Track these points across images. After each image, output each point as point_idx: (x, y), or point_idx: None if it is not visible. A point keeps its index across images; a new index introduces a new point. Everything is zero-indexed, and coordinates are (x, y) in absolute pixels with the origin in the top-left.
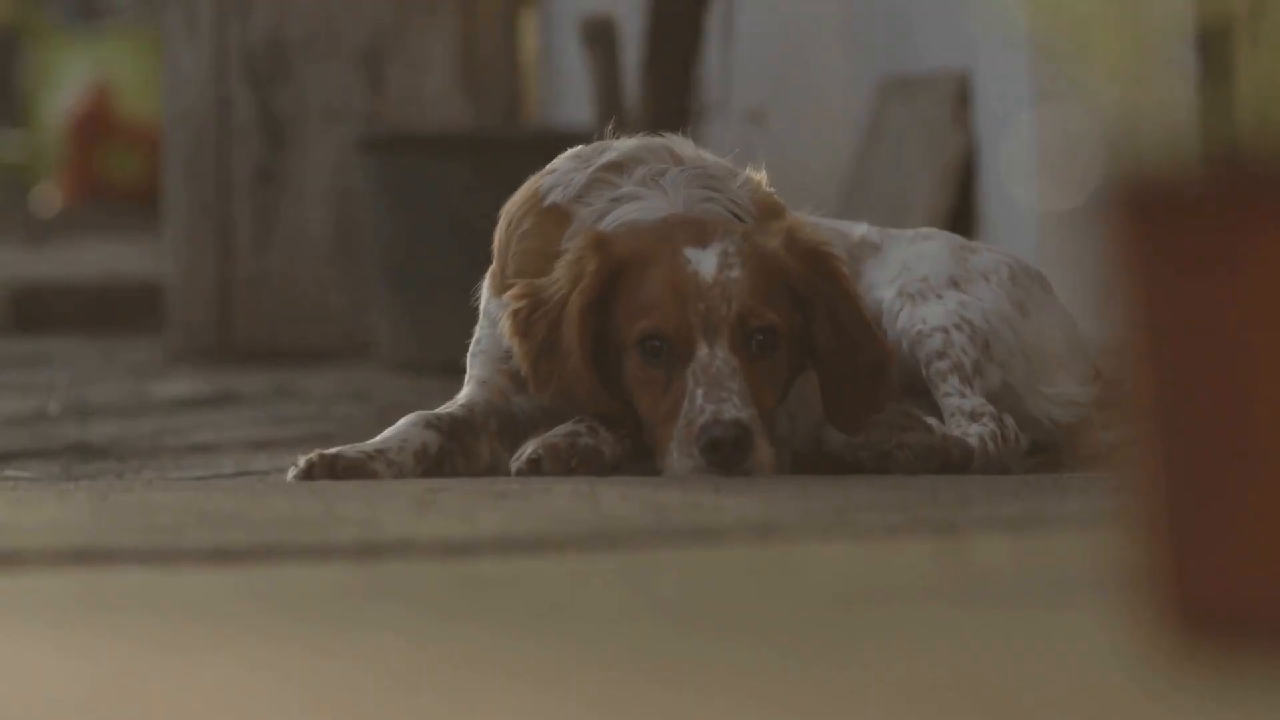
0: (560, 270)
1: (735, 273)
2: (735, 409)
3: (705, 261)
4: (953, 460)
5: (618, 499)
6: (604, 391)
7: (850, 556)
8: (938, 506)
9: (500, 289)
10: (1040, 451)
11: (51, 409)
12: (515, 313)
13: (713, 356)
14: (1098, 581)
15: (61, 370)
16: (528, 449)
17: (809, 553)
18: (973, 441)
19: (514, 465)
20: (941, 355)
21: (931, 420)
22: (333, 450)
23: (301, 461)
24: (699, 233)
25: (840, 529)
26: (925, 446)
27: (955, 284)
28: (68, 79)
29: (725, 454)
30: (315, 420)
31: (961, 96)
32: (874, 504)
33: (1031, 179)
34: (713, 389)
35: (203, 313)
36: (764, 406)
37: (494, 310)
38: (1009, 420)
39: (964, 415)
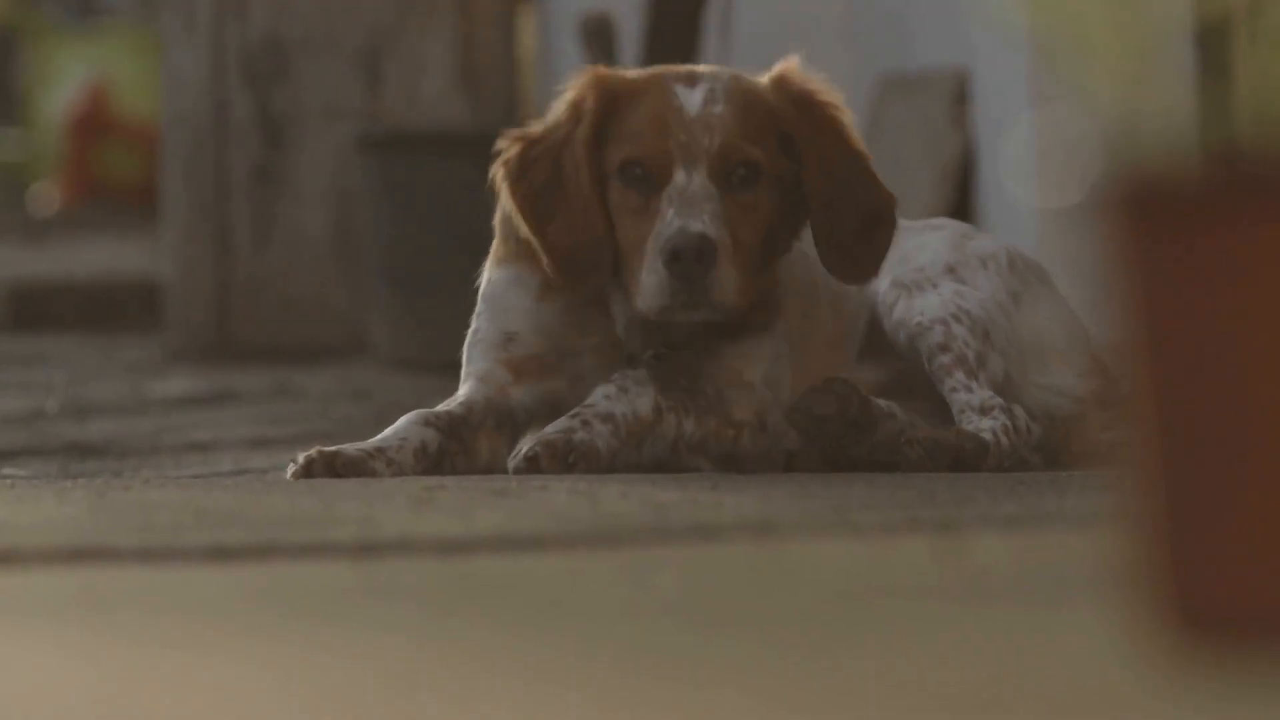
0: (558, 111)
1: (719, 108)
2: (703, 225)
3: (691, 97)
4: (966, 455)
5: (616, 497)
6: (607, 222)
7: (849, 554)
8: (936, 504)
9: (503, 256)
10: (1037, 449)
11: (49, 407)
12: (509, 160)
13: (689, 181)
14: (1097, 580)
15: (60, 369)
16: (524, 447)
17: (808, 550)
18: (986, 436)
19: (511, 464)
20: (944, 349)
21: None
22: (332, 448)
23: (300, 458)
24: (690, 75)
25: (839, 527)
26: (934, 442)
27: (951, 270)
28: (66, 78)
29: (687, 264)
30: (313, 419)
31: (960, 95)
32: (873, 502)
33: (1030, 178)
34: (685, 208)
35: (201, 311)
36: (742, 240)
37: (496, 280)
38: (1019, 411)
39: (973, 410)
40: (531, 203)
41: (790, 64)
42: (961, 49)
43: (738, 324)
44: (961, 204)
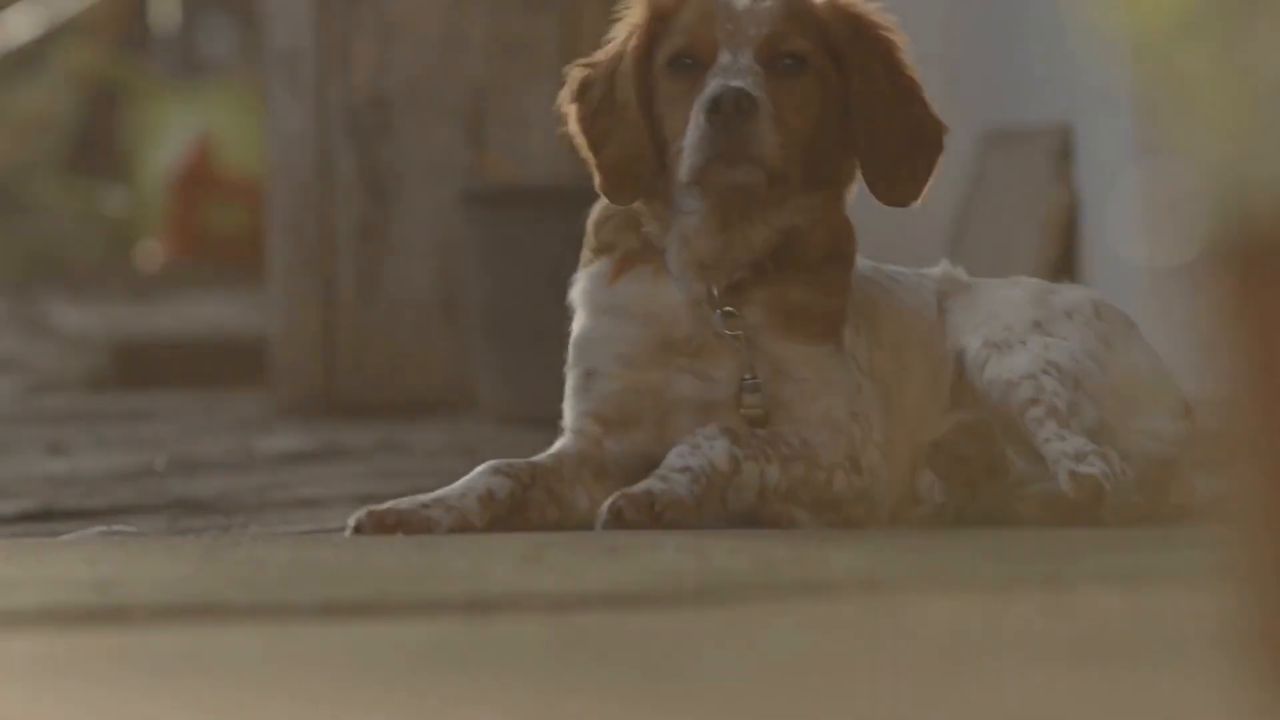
0: (615, 33)
1: (768, 3)
2: (744, 83)
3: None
4: (1083, 500)
5: (726, 553)
6: (654, 133)
7: (957, 610)
8: (1045, 560)
9: (583, 264)
10: (1136, 491)
11: (157, 464)
12: (572, 86)
13: (735, 61)
14: (1208, 638)
15: (167, 425)
16: (608, 502)
17: (916, 606)
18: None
19: (598, 523)
20: (1034, 402)
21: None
22: (383, 505)
23: (351, 521)
24: None
25: (948, 583)
26: (1049, 495)
27: (1038, 325)
28: (170, 134)
29: (726, 114)
30: (420, 475)
31: (1064, 150)
32: (981, 557)
33: (1135, 235)
34: (728, 76)
35: (307, 367)
36: (787, 120)
37: (574, 295)
38: (1113, 455)
39: (1069, 459)
40: (588, 123)
41: None
42: (1065, 103)
43: (811, 267)
44: (1065, 260)
